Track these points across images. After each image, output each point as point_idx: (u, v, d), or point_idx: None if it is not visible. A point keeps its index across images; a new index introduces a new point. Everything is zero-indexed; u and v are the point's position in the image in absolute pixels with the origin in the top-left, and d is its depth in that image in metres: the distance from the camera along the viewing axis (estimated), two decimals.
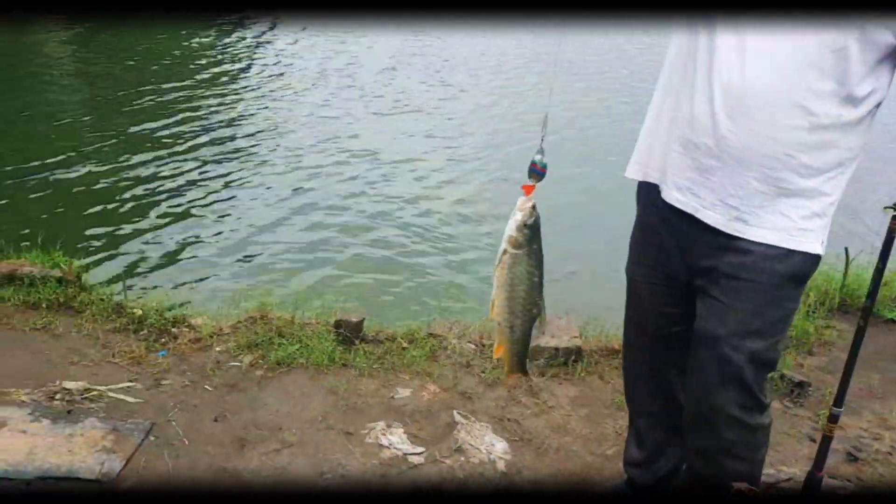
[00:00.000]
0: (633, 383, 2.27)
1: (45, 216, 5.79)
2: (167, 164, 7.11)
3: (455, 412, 2.84)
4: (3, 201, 6.00)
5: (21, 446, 2.47)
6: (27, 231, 5.04)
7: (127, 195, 6.36)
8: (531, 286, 1.73)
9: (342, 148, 7.80)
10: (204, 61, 11.67)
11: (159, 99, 9.28)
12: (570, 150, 7.91)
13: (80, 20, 13.34)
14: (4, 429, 2.55)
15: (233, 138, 7.97)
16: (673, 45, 1.82)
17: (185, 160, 7.24)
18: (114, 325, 3.31)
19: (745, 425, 1.84)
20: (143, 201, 6.26)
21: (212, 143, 7.82)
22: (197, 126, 8.32)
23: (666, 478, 2.25)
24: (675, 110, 1.77)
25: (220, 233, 5.77)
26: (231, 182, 6.81)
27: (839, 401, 2.20)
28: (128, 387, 2.88)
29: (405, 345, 3.26)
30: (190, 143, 7.71)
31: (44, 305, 3.37)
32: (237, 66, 11.52)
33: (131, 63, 11.20)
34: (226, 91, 9.94)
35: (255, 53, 12.39)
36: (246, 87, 10.19)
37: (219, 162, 7.26)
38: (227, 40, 13.27)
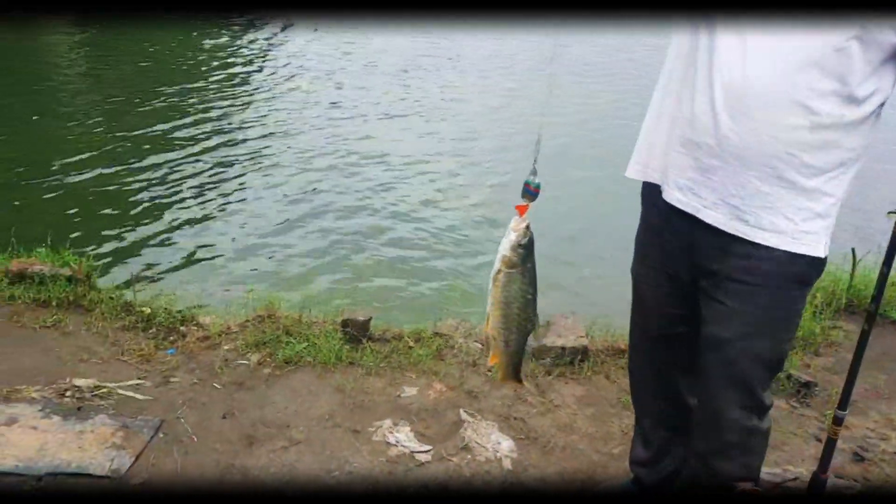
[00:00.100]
0: (638, 384, 2.28)
1: (56, 216, 5.84)
2: (178, 165, 7.16)
3: (461, 410, 2.86)
4: (17, 202, 6.04)
5: (32, 442, 2.50)
6: (38, 230, 5.08)
7: (137, 195, 6.40)
8: (525, 303, 1.76)
9: (352, 150, 7.82)
10: (216, 63, 11.74)
11: (171, 101, 9.34)
12: (580, 150, 7.94)
13: (91, 22, 13.43)
14: (15, 425, 2.58)
15: (244, 140, 8.01)
16: (673, 44, 1.81)
17: (196, 161, 7.29)
18: (123, 323, 3.34)
19: (745, 428, 1.85)
20: (153, 202, 6.30)
21: (222, 144, 7.85)
22: (208, 127, 8.37)
23: (670, 477, 2.25)
24: (676, 110, 1.76)
25: (229, 233, 5.80)
26: (241, 183, 6.85)
27: (843, 404, 2.21)
28: (137, 384, 2.91)
29: (412, 344, 3.28)
30: (201, 145, 7.76)
31: (54, 303, 3.40)
32: (249, 67, 11.59)
33: (144, 64, 11.29)
34: (237, 93, 9.99)
35: (267, 55, 12.45)
36: (257, 89, 10.24)
37: (229, 164, 7.30)
38: (238, 42, 13.35)
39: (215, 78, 10.75)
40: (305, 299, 4.01)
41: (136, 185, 6.60)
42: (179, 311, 3.46)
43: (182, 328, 3.32)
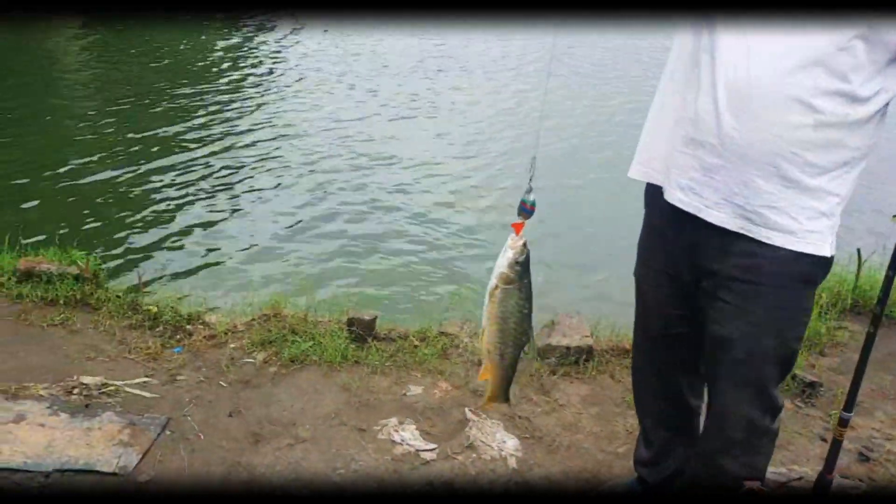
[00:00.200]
0: (640, 383, 2.29)
1: (65, 216, 5.85)
2: (187, 166, 7.17)
3: (467, 409, 2.87)
4: (28, 204, 6.06)
5: (40, 439, 2.52)
6: (48, 229, 5.12)
7: (144, 196, 6.41)
8: (522, 318, 1.79)
9: (361, 151, 7.82)
10: (226, 65, 11.78)
11: (181, 102, 9.37)
12: (589, 152, 7.93)
13: (100, 24, 13.48)
14: (24, 422, 2.60)
15: (254, 142, 8.01)
16: (676, 44, 1.81)
17: (206, 163, 7.30)
18: (130, 321, 3.36)
19: (754, 427, 1.84)
20: (160, 202, 6.31)
21: (232, 146, 7.86)
22: (218, 129, 8.38)
23: (672, 477, 2.25)
24: (679, 110, 1.75)
25: (236, 233, 5.81)
26: (250, 185, 6.85)
27: (849, 406, 2.21)
28: (144, 382, 2.92)
29: (417, 343, 3.29)
30: (211, 147, 7.77)
31: (61, 302, 3.42)
32: (259, 69, 11.61)
33: (154, 66, 11.31)
34: (247, 94, 10.01)
35: (277, 57, 12.47)
36: (268, 91, 10.25)
37: (239, 165, 7.31)
38: (249, 44, 13.39)
39: (226, 80, 10.78)
40: (312, 299, 4.01)
41: (146, 186, 6.61)
42: (185, 308, 3.47)
43: (188, 327, 3.34)
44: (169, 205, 6.26)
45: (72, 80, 10.42)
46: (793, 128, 1.59)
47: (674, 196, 1.79)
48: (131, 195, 6.40)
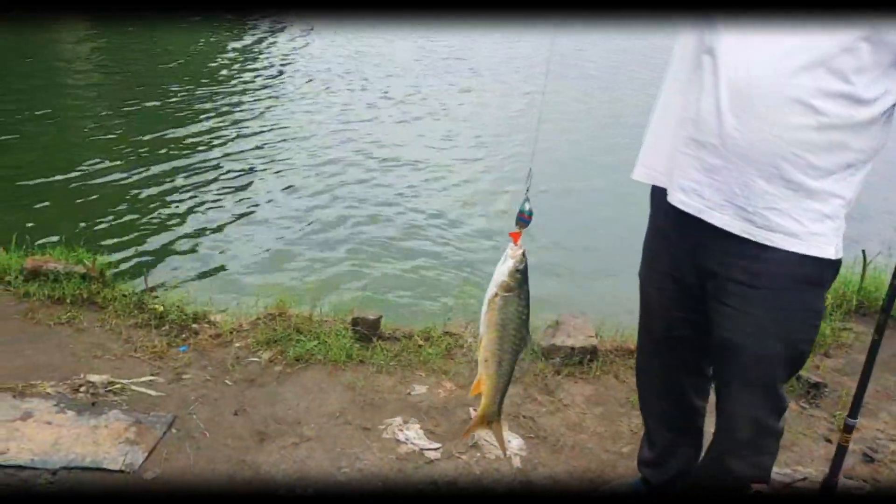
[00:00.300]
0: (643, 385, 2.29)
1: (75, 217, 5.87)
2: (195, 167, 7.20)
3: (471, 409, 2.87)
4: (38, 205, 6.09)
5: (47, 437, 2.53)
6: (56, 229, 5.13)
7: (152, 196, 6.44)
8: (520, 323, 1.81)
9: (368, 154, 7.84)
10: (236, 67, 11.85)
11: (190, 104, 9.41)
12: (594, 154, 7.92)
13: (108, 25, 13.53)
14: (31, 420, 2.61)
15: (262, 144, 8.04)
16: (678, 45, 1.80)
17: (213, 164, 7.33)
18: (136, 320, 3.37)
19: (760, 427, 1.84)
20: (168, 202, 6.34)
21: (241, 148, 7.88)
22: (226, 131, 8.41)
23: (674, 478, 2.25)
24: (681, 111, 1.75)
25: (242, 235, 5.82)
26: (259, 186, 6.88)
27: (854, 411, 2.21)
28: (150, 380, 2.94)
29: (421, 342, 3.30)
30: (220, 148, 7.80)
31: (68, 300, 3.44)
32: (269, 71, 11.67)
33: (162, 67, 11.36)
34: (257, 96, 10.05)
35: (286, 58, 12.50)
36: (277, 92, 10.30)
37: (248, 167, 7.33)
38: (259, 46, 13.44)
39: (236, 81, 10.82)
40: (317, 299, 4.03)
41: (156, 188, 6.64)
42: (191, 307, 3.49)
43: (194, 326, 3.35)
44: (178, 206, 6.28)
45: (82, 82, 10.46)
46: (794, 129, 1.58)
47: (676, 197, 1.78)
48: (141, 196, 6.42)
